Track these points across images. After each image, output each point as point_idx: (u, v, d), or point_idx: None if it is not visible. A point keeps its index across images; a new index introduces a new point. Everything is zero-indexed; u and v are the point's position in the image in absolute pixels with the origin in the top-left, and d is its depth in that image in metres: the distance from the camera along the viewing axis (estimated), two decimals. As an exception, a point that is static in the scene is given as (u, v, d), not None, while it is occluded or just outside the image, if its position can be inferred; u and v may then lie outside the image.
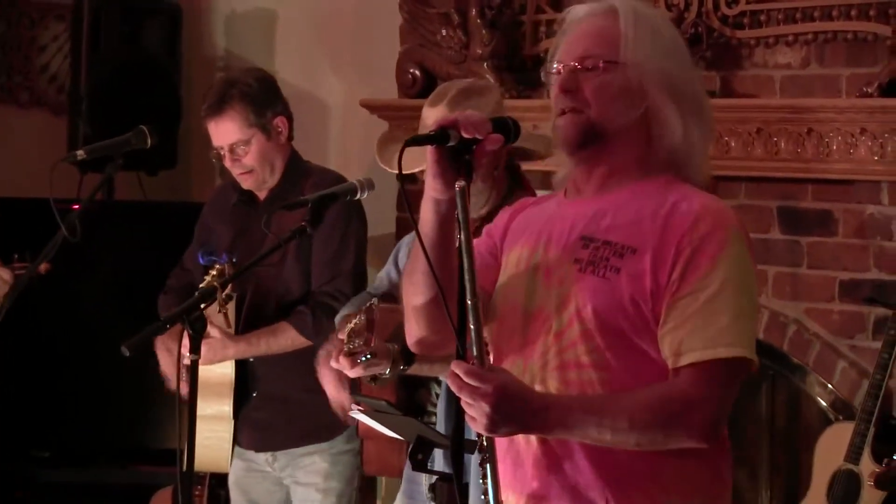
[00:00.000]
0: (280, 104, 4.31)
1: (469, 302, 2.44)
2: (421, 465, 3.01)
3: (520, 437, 2.58)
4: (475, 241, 2.59)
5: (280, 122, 4.28)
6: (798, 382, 4.56)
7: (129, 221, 5.68)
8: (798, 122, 4.33)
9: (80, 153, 4.02)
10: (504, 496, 2.57)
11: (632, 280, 2.50)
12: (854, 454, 4.11)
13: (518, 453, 2.60)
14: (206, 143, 4.39)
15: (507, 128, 2.54)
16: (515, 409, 2.43)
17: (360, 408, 3.38)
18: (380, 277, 3.89)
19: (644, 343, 2.52)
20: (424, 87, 5.19)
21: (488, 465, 2.48)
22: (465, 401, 2.42)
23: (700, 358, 2.47)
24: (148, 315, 3.95)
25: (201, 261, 4.17)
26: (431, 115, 3.42)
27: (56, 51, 6.27)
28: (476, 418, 2.42)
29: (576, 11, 2.65)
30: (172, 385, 4.25)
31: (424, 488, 3.37)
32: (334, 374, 3.57)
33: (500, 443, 2.58)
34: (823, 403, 4.47)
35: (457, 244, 2.49)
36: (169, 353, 4.19)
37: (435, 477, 2.90)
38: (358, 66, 5.77)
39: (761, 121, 4.42)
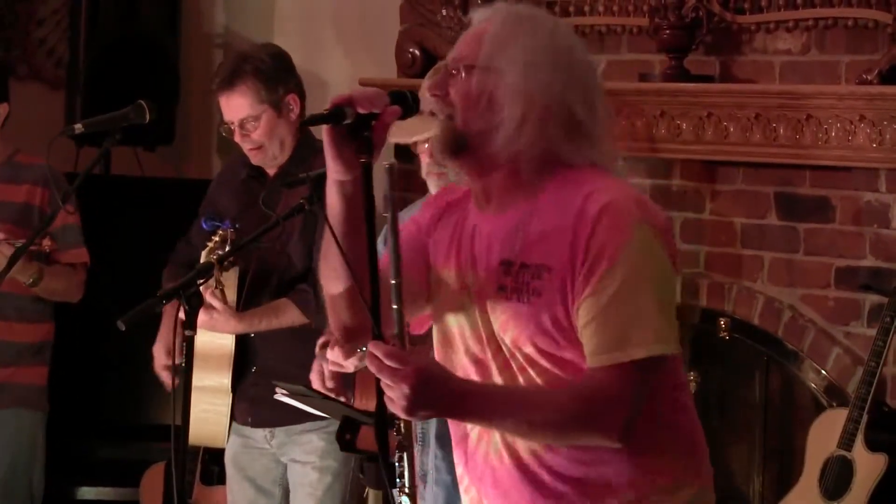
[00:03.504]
0: (293, 81, 4.29)
1: (393, 282, 2.40)
2: (349, 446, 2.98)
3: (492, 456, 2.56)
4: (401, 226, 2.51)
5: (292, 99, 4.26)
6: (792, 368, 4.56)
7: (125, 196, 5.67)
8: (797, 108, 4.33)
9: (78, 127, 4.02)
10: None
11: (553, 300, 2.47)
12: (847, 441, 4.11)
13: (493, 470, 2.58)
14: (205, 119, 4.39)
15: (405, 100, 2.48)
16: (435, 394, 2.39)
17: (284, 392, 3.39)
18: None
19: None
20: (424, 66, 5.18)
21: (405, 451, 2.46)
22: (385, 382, 2.37)
23: (606, 362, 2.43)
24: (143, 290, 3.94)
25: (205, 226, 4.17)
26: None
27: (54, 25, 6.25)
28: (395, 400, 2.37)
29: (474, 13, 2.61)
30: (158, 364, 4.24)
31: (417, 465, 3.37)
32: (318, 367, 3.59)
33: (475, 462, 2.58)
34: (817, 389, 4.47)
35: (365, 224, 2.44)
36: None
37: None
38: (358, 45, 5.75)
39: (760, 106, 4.41)
